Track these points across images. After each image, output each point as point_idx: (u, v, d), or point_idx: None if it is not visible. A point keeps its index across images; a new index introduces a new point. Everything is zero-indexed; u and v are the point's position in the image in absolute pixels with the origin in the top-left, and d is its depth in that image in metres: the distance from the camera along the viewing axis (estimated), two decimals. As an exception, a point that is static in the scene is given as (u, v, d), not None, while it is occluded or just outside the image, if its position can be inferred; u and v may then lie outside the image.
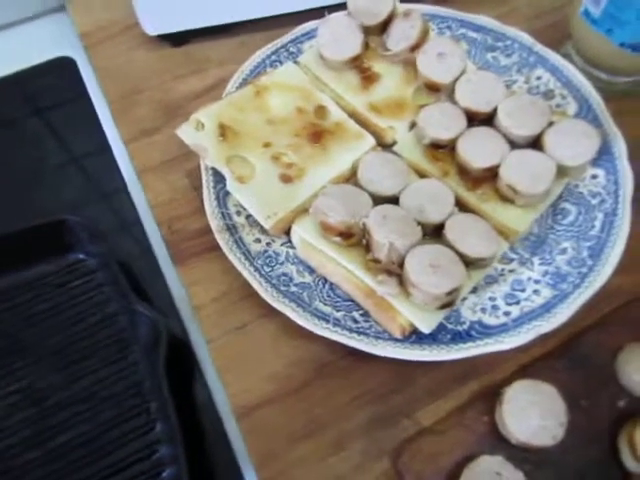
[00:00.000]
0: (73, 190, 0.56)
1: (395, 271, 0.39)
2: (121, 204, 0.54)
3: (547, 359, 0.40)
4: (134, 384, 0.45)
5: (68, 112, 0.61)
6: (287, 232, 0.45)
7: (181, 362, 0.46)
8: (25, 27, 0.68)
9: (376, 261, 0.40)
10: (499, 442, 0.37)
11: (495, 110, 0.46)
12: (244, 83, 0.50)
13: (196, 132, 0.45)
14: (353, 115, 0.49)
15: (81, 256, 0.51)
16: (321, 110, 0.48)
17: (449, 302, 0.38)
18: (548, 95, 0.50)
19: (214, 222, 0.44)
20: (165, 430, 0.43)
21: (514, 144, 0.45)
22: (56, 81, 0.63)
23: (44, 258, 0.51)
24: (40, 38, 0.67)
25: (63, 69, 0.64)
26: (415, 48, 0.48)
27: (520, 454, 0.36)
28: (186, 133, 0.45)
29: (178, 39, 0.57)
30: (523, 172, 0.42)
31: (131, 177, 0.53)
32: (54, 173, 0.57)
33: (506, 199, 0.44)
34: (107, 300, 0.49)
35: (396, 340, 0.39)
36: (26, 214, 0.53)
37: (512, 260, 0.44)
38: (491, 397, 0.39)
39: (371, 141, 0.47)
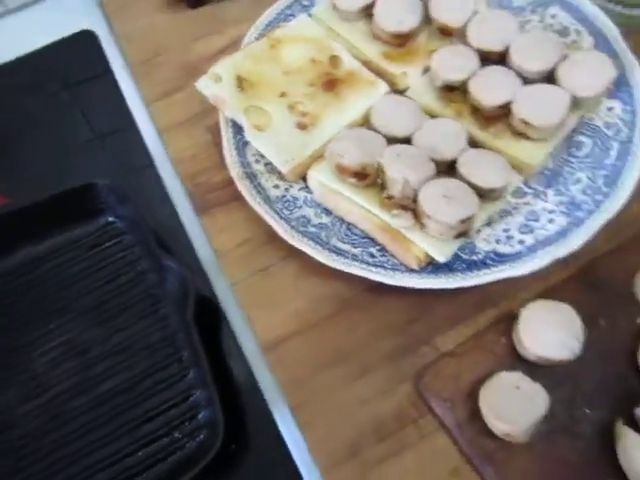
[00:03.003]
0: (98, 165, 0.56)
1: (409, 206, 0.41)
2: (149, 179, 0.54)
3: (565, 283, 0.41)
4: (167, 336, 0.48)
5: (91, 85, 0.61)
6: (304, 179, 0.46)
7: (209, 318, 0.48)
8: (46, 3, 0.69)
9: (390, 198, 0.41)
10: (517, 361, 0.38)
11: (507, 49, 0.46)
12: (259, 37, 0.51)
13: (214, 84, 0.47)
14: (366, 63, 0.50)
15: (111, 219, 0.53)
16: (335, 59, 0.50)
17: (463, 231, 0.40)
18: (563, 33, 0.50)
19: (234, 170, 0.46)
20: (198, 376, 0.46)
21: (527, 80, 0.45)
22: (78, 54, 0.64)
23: (76, 222, 0.53)
24: (62, 13, 0.67)
25: (85, 43, 0.65)
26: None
27: (538, 370, 0.37)
28: (205, 86, 0.47)
29: (195, 1, 0.59)
30: (536, 105, 0.43)
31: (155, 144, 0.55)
32: (79, 147, 0.58)
33: (520, 135, 0.44)
34: (137, 259, 0.51)
35: (413, 271, 0.41)
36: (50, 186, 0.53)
37: (526, 194, 0.44)
38: (509, 321, 0.40)
39: (384, 87, 0.48)
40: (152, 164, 0.55)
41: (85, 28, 0.65)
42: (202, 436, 0.43)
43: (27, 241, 0.52)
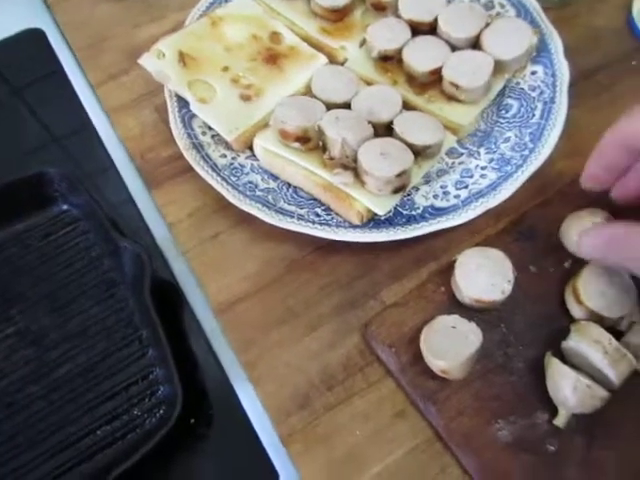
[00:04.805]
0: (53, 164, 0.54)
1: (349, 165, 0.43)
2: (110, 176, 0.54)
3: (497, 235, 0.43)
4: (125, 317, 0.48)
5: (42, 86, 0.61)
6: (250, 148, 0.48)
7: (168, 299, 0.48)
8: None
9: (332, 159, 0.43)
10: (455, 307, 0.40)
11: (436, 20, 0.49)
12: (201, 19, 0.53)
13: (157, 60, 0.48)
14: (306, 39, 0.52)
15: (64, 207, 0.53)
16: (275, 36, 0.51)
17: (400, 186, 0.42)
18: (488, 6, 0.53)
19: (181, 142, 0.47)
20: (157, 354, 0.46)
21: (456, 48, 0.48)
22: (26, 54, 0.63)
23: (29, 212, 0.52)
24: (5, 11, 0.66)
25: (33, 42, 0.64)
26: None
27: (474, 314, 0.40)
28: (148, 62, 0.48)
29: (138, -12, 0.60)
30: (463, 69, 0.46)
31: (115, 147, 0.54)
32: (33, 150, 0.57)
33: (451, 98, 0.47)
34: (92, 245, 0.51)
35: (356, 227, 0.43)
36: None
37: (461, 154, 0.47)
38: (448, 272, 0.42)
39: (324, 60, 0.50)
40: (110, 158, 0.54)
41: (32, 26, 0.64)
42: (161, 412, 0.43)
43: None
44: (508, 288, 0.39)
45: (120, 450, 0.43)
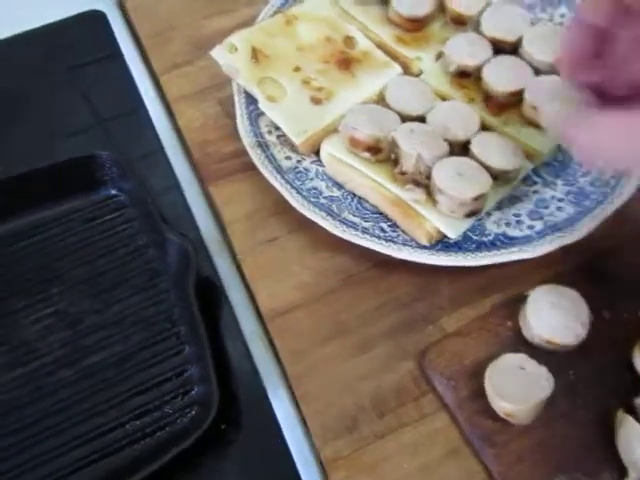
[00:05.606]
0: (97, 145, 0.54)
1: (422, 182, 0.41)
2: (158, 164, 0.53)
3: (570, 273, 0.41)
4: (164, 310, 0.46)
5: (95, 66, 0.60)
6: (316, 153, 0.46)
7: (209, 297, 0.47)
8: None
9: (403, 173, 0.41)
10: (522, 344, 0.38)
11: (520, 40, 0.47)
12: (274, 15, 0.51)
13: (229, 54, 0.47)
14: (380, 46, 0.50)
15: (113, 192, 0.52)
16: (349, 40, 0.50)
17: (474, 210, 0.40)
18: (573, 31, 0.51)
19: (247, 139, 0.45)
20: (194, 352, 0.44)
21: (539, 71, 0.46)
22: (86, 35, 0.63)
23: (77, 193, 0.52)
24: None
25: (93, 23, 0.64)
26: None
27: (542, 355, 0.37)
28: (220, 54, 0.47)
29: (209, -21, 0.59)
30: (547, 94, 0.43)
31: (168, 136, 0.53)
32: (78, 131, 0.56)
33: (530, 123, 0.45)
34: (138, 232, 0.50)
35: (423, 247, 0.41)
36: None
37: (535, 183, 0.45)
38: (515, 305, 0.39)
39: (398, 69, 0.48)
40: (160, 146, 0.53)
41: (95, 8, 0.63)
42: (194, 412, 0.42)
43: (25, 209, 0.51)
44: (583, 332, 0.36)
45: (148, 447, 0.41)
